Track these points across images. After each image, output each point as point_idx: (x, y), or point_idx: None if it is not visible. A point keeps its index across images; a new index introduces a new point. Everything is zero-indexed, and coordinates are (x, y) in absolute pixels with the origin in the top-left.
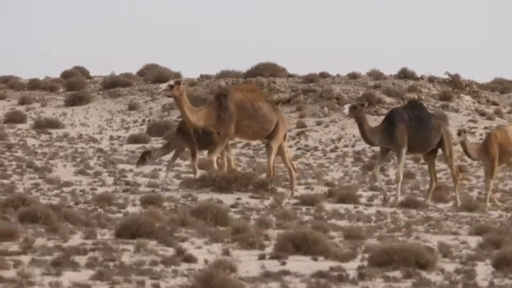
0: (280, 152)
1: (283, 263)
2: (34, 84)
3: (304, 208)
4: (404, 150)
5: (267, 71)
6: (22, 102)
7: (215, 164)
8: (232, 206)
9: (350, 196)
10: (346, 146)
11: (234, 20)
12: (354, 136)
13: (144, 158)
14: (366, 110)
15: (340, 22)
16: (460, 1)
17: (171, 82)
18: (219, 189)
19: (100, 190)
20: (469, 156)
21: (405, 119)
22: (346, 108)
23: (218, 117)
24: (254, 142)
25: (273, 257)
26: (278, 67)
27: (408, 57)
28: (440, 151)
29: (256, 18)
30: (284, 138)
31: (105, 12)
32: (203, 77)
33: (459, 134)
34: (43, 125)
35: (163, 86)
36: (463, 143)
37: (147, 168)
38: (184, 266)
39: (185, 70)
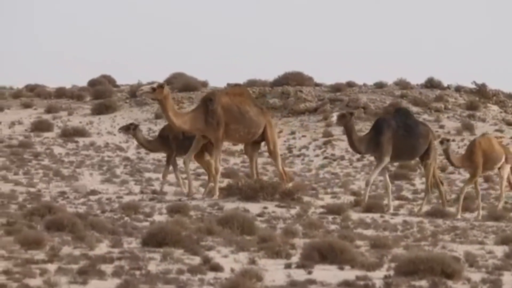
0: (273, 156)
1: (309, 272)
2: (60, 93)
3: (330, 217)
4: (386, 159)
5: (294, 80)
6: (49, 110)
7: (219, 170)
8: (259, 215)
9: (377, 206)
10: None
11: (262, 29)
12: None
13: (129, 128)
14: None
15: (368, 32)
16: (486, 11)
17: (154, 85)
18: (246, 198)
19: (127, 199)
20: (452, 164)
21: (393, 127)
22: (335, 116)
23: (206, 121)
24: (281, 152)
25: (299, 266)
26: (304, 76)
27: (435, 66)
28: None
29: (284, 27)
30: None
31: (132, 21)
32: (229, 86)
33: (441, 142)
34: (69, 134)
35: (145, 88)
36: (446, 151)
37: (174, 177)
38: (210, 275)
39: (212, 79)
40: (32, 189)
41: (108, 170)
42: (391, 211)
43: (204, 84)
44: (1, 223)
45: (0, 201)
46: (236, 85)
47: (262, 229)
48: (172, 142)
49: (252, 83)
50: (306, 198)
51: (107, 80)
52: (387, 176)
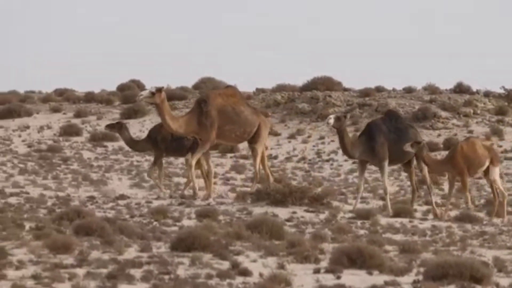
0: (253, 153)
1: (338, 277)
2: (89, 97)
3: (359, 222)
4: (386, 163)
5: (323, 85)
6: (78, 115)
7: (193, 169)
8: (287, 220)
9: (405, 210)
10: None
11: (291, 34)
12: None
13: (114, 126)
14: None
15: (396, 36)
16: None
17: (153, 89)
18: (274, 203)
19: (156, 203)
20: (427, 165)
21: (384, 131)
22: (332, 119)
23: (199, 123)
24: (309, 156)
25: (328, 271)
26: (333, 81)
27: (464, 71)
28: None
29: (313, 32)
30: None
31: (161, 25)
32: (258, 91)
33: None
34: (98, 138)
35: (145, 93)
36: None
37: (203, 182)
38: (239, 280)
39: (240, 84)
40: (61, 194)
41: (137, 175)
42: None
43: None
44: (30, 228)
45: (29, 205)
46: (228, 86)
47: (291, 234)
48: (161, 143)
49: (281, 88)
50: (335, 203)
51: (136, 84)
52: (363, 179)
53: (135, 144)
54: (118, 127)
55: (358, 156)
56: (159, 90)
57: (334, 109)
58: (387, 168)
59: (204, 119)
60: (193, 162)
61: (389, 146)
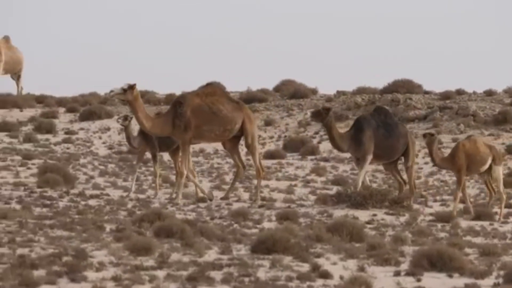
0: (250, 150)
1: (419, 280)
2: (170, 99)
3: (439, 225)
4: (369, 157)
5: (403, 87)
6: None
7: (184, 176)
8: (368, 222)
9: (486, 213)
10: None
11: (371, 37)
12: None
13: (126, 118)
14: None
15: (476, 39)
16: None
17: (125, 85)
18: (355, 206)
19: (236, 206)
20: (433, 161)
21: (373, 126)
22: (308, 114)
23: (174, 125)
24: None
25: (408, 273)
26: (414, 83)
27: None
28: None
29: (392, 35)
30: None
31: (240, 27)
32: (339, 93)
33: (424, 136)
34: None
35: (116, 89)
36: (429, 146)
37: (283, 184)
38: (319, 282)
39: (321, 86)
40: (141, 196)
41: (217, 177)
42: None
43: (314, 91)
44: (110, 230)
45: (109, 207)
46: (208, 84)
47: (371, 236)
48: (155, 140)
49: (361, 91)
50: (415, 206)
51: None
52: (366, 177)
53: (132, 140)
54: (129, 119)
55: (347, 149)
56: (131, 87)
57: (414, 112)
58: (368, 165)
59: (178, 121)
60: (184, 170)
61: (378, 141)
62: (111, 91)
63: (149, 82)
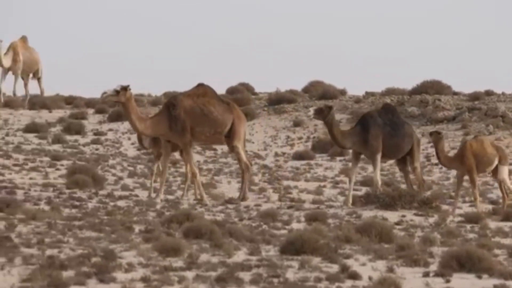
0: (235, 151)
1: (448, 281)
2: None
3: (468, 226)
4: (379, 156)
5: (432, 88)
6: None
7: (198, 175)
8: (397, 223)
9: None
10: (511, 164)
11: (400, 38)
12: None
13: None
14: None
15: (506, 40)
16: None
17: (117, 87)
18: (384, 206)
19: (265, 207)
20: (439, 159)
21: (379, 123)
22: (311, 111)
23: (170, 127)
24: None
25: (437, 274)
26: (443, 84)
27: None
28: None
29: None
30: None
31: (269, 28)
32: (368, 94)
33: (430, 134)
34: None
35: (108, 91)
36: (436, 144)
37: (312, 185)
38: (348, 283)
39: (350, 87)
40: (170, 197)
41: None
42: (349, 205)
43: (343, 92)
44: (139, 230)
45: (138, 208)
46: (199, 85)
47: (400, 237)
48: (160, 140)
49: (390, 92)
50: (444, 207)
51: (245, 88)
52: (355, 170)
53: (143, 139)
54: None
55: (350, 146)
56: (124, 88)
57: (443, 113)
58: (380, 162)
59: (175, 124)
60: (195, 169)
61: (384, 139)
62: (104, 92)
63: (149, 82)
